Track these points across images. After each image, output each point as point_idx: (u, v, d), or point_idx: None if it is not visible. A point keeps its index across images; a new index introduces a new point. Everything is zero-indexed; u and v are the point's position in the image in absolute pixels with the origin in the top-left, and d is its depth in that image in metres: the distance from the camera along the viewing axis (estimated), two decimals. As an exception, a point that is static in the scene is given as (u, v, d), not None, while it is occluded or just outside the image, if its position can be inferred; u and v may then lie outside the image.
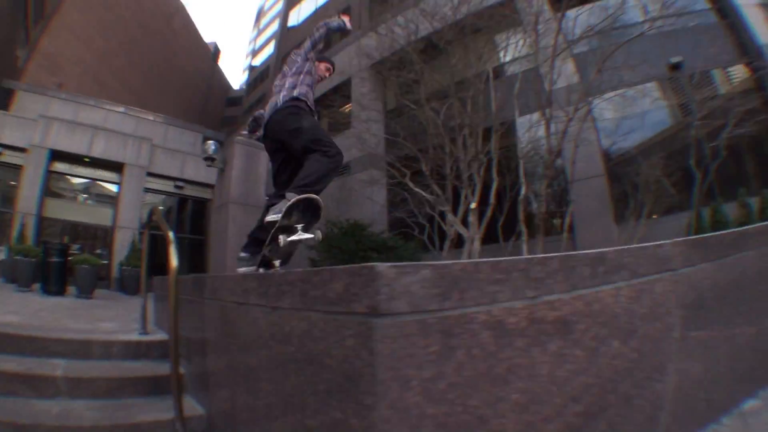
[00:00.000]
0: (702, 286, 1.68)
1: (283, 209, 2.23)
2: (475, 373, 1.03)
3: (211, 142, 10.88)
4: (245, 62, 28.48)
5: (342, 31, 2.97)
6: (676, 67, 9.57)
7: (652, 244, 1.58)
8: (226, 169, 10.26)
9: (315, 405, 1.15)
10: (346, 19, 2.97)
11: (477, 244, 6.76)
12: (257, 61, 24.83)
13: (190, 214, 15.44)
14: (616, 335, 1.34)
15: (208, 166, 10.78)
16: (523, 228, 7.14)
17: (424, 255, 8.03)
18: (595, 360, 1.27)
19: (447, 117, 7.45)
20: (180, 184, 14.48)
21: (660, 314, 1.50)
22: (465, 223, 7.32)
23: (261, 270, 2.50)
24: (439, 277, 1.00)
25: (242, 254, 2.71)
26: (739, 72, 10.89)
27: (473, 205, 6.95)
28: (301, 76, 2.74)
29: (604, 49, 7.44)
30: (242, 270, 2.58)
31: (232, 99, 28.12)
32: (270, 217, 2.31)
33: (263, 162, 10.58)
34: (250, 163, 10.13)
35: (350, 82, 11.15)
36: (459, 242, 7.41)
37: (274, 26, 23.20)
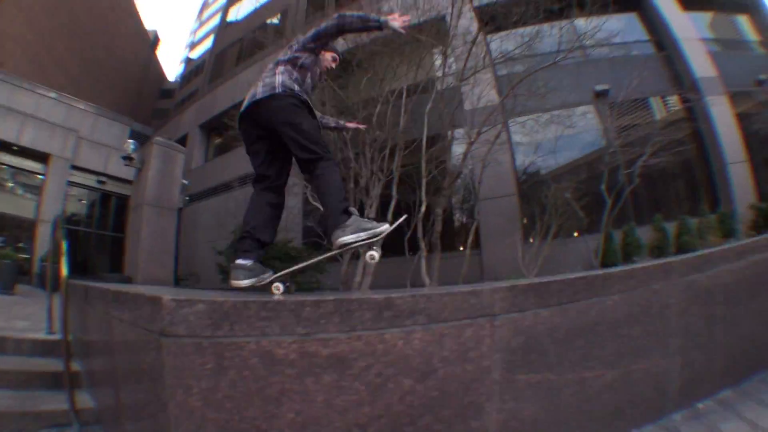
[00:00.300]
0: (536, 330, 1.81)
1: (388, 227, 2.18)
2: (247, 391, 1.33)
3: (131, 141, 11.21)
4: (183, 54, 28.62)
5: (373, 29, 2.59)
6: (601, 94, 10.52)
7: (466, 289, 1.74)
8: (143, 170, 10.63)
9: (144, 403, 1.61)
10: (396, 23, 2.52)
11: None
12: (195, 53, 24.95)
13: (114, 211, 15.65)
14: (409, 374, 1.52)
15: (126, 165, 11.14)
16: (422, 244, 7.70)
17: (331, 265, 8.35)
18: (381, 395, 1.47)
19: (355, 133, 8.02)
20: (102, 179, 14.75)
21: (471, 357, 1.65)
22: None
23: (281, 286, 2.29)
24: (212, 311, 1.32)
25: (244, 262, 2.34)
26: (675, 102, 12.07)
27: None
28: (295, 71, 2.58)
29: (520, 74, 8.24)
30: (246, 283, 2.28)
31: (166, 91, 28.15)
32: (354, 237, 2.15)
33: (179, 164, 11.01)
34: (167, 165, 10.48)
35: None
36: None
37: (216, 20, 23.47)
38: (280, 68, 2.54)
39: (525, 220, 9.57)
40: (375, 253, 2.14)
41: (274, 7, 17.97)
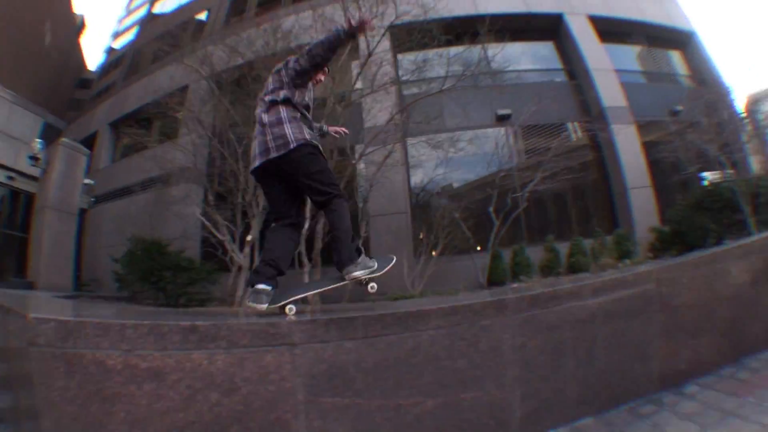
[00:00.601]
0: (339, 360, 2.12)
1: (387, 266, 2.92)
2: (89, 391, 1.76)
3: (38, 140, 11.79)
4: (106, 43, 28.04)
5: (346, 42, 2.92)
6: (503, 118, 11.71)
7: (265, 321, 2.14)
8: (48, 171, 11.27)
9: (27, 401, 1.98)
10: (359, 27, 2.83)
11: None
12: (118, 44, 25.09)
13: (23, 210, 15.57)
14: (215, 389, 1.92)
15: (32, 165, 11.76)
16: (305, 260, 8.51)
17: (222, 276, 9.15)
18: (192, 404, 1.88)
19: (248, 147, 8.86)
20: (12, 174, 14.87)
21: (273, 379, 2.01)
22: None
23: (294, 308, 2.67)
24: (61, 327, 1.79)
25: (266, 287, 2.70)
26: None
27: (249, 238, 8.41)
28: (297, 110, 2.94)
29: (411, 97, 9.42)
30: (265, 307, 2.65)
31: (84, 81, 27.42)
32: (362, 272, 2.83)
33: (82, 167, 11.69)
34: (71, 168, 11.09)
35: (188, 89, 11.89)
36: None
37: (144, 11, 23.59)
38: (283, 113, 2.87)
39: (422, 236, 10.74)
40: (375, 284, 2.88)
41: (200, 4, 18.61)
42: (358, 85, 10.22)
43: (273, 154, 2.81)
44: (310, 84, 3.10)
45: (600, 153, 13.01)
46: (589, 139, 13.00)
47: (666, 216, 11.38)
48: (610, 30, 14.79)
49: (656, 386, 2.79)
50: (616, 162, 12.53)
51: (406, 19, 9.61)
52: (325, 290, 3.10)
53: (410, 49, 10.20)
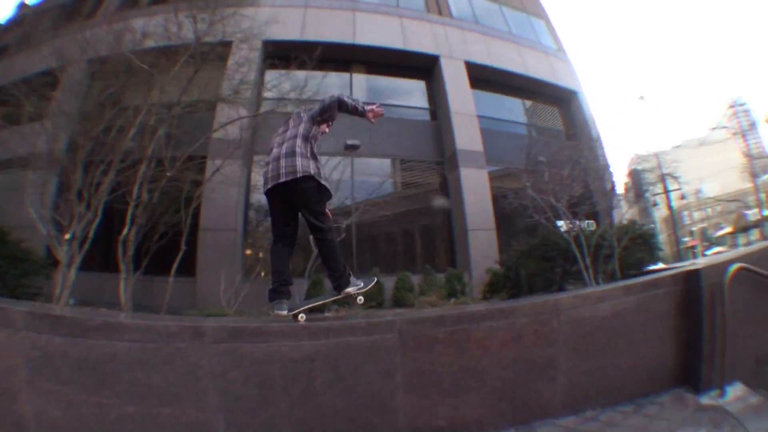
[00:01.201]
0: (51, 350, 2.49)
1: (369, 285, 3.94)
2: None
3: None
4: None
5: (358, 115, 3.92)
6: (351, 147, 12.84)
7: (4, 305, 2.66)
8: None
9: None
10: (371, 115, 3.93)
11: (71, 273, 8.47)
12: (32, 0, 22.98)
13: None
14: None
15: None
16: (123, 265, 8.87)
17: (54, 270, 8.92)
18: None
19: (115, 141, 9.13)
20: None
21: (4, 355, 2.43)
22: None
23: (304, 315, 3.63)
24: None
25: (285, 299, 3.68)
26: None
27: (67, 236, 8.65)
28: (311, 143, 3.81)
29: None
30: (286, 313, 3.61)
31: None
32: (353, 289, 3.86)
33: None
34: None
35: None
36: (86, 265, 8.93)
37: None
38: (300, 147, 3.74)
39: (258, 255, 11.76)
40: (362, 298, 3.95)
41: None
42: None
43: (282, 180, 3.64)
44: (319, 132, 4.02)
45: (447, 193, 14.25)
46: (439, 178, 14.37)
47: (501, 260, 12.33)
48: (490, 79, 16.33)
49: (405, 440, 2.85)
50: (460, 203, 13.79)
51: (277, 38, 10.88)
52: (326, 302, 4.40)
53: (273, 66, 11.03)
